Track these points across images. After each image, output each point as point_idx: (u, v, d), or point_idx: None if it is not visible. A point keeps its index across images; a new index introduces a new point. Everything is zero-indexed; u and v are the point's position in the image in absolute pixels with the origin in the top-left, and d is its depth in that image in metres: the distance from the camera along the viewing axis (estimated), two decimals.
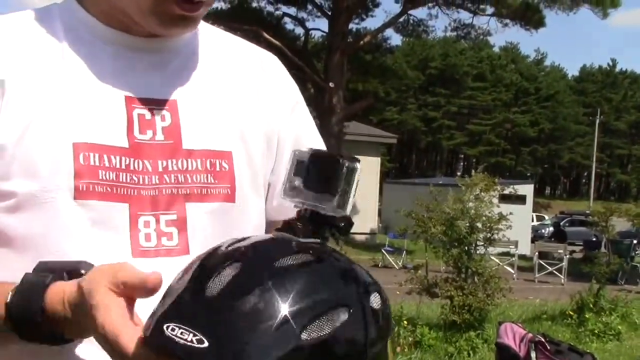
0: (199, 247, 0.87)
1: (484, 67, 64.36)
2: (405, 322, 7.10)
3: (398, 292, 7.68)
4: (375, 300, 0.64)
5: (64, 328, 0.72)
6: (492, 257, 10.36)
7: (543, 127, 64.46)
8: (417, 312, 7.79)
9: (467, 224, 7.43)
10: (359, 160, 0.67)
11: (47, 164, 0.84)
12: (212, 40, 1.02)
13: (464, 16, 23.64)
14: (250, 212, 0.96)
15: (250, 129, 0.97)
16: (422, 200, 7.96)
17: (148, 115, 0.90)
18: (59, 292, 0.70)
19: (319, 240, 0.66)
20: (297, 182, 0.67)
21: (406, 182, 22.14)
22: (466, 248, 7.50)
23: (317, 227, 0.67)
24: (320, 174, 0.66)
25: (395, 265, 15.27)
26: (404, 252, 16.40)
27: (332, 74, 18.63)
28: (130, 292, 0.67)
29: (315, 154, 0.67)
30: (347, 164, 0.65)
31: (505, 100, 64.65)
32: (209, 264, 0.63)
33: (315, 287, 0.61)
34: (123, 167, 0.87)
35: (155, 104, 0.91)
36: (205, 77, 0.98)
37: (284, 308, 0.58)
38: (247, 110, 0.98)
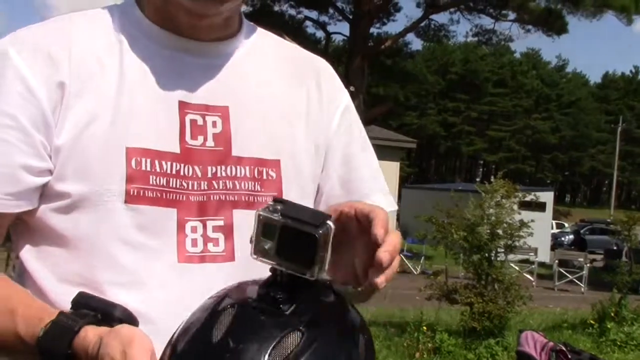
0: (244, 253, 0.86)
1: (504, 72, 63.93)
2: (425, 327, 7.07)
3: (417, 298, 7.63)
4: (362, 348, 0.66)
5: None
6: (512, 265, 10.27)
7: (564, 134, 63.85)
8: (437, 318, 7.75)
9: (488, 231, 7.37)
10: (330, 217, 0.66)
11: (100, 167, 0.86)
12: (265, 46, 1.03)
13: (486, 22, 23.53)
14: None
15: (300, 138, 0.98)
16: (442, 205, 7.92)
17: (200, 121, 0.91)
18: (86, 342, 0.72)
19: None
20: (267, 245, 0.65)
21: (425, 187, 22.06)
22: (487, 255, 7.44)
23: (297, 288, 0.65)
24: (293, 244, 0.64)
25: (414, 271, 15.24)
26: (423, 257, 16.33)
27: (352, 78, 18.62)
28: None
29: (285, 227, 0.65)
30: (321, 235, 0.64)
31: (526, 106, 64.15)
32: (208, 357, 0.63)
33: None
34: (174, 172, 0.88)
35: (208, 110, 0.92)
36: (258, 83, 0.98)
37: None
38: (297, 118, 0.99)
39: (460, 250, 7.69)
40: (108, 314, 0.74)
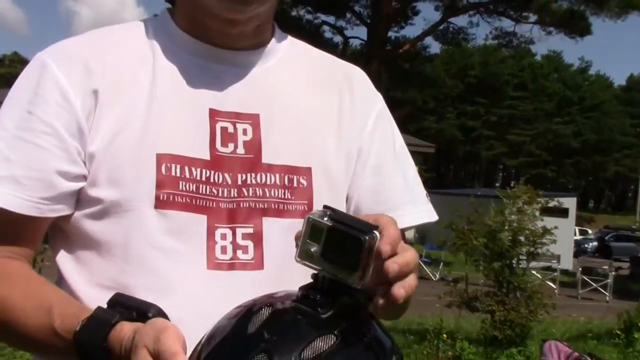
0: (273, 262, 0.90)
1: (525, 75, 63.42)
2: (445, 335, 6.96)
3: (437, 305, 7.55)
4: None
5: None
6: (534, 272, 10.09)
7: (587, 138, 63.15)
8: (456, 326, 7.63)
9: (510, 237, 7.23)
10: (377, 227, 0.66)
11: (131, 173, 0.88)
12: (297, 55, 1.04)
13: (506, 24, 23.29)
14: None
15: (331, 145, 0.98)
16: (461, 211, 7.79)
17: (230, 128, 0.93)
18: (121, 335, 0.73)
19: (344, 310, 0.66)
20: (314, 249, 0.66)
21: (444, 193, 21.85)
22: (508, 262, 7.31)
23: (336, 295, 0.66)
24: (339, 247, 0.65)
25: (433, 277, 15.14)
26: (442, 263, 16.18)
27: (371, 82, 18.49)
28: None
29: (334, 229, 0.65)
30: (367, 240, 0.64)
31: (548, 110, 63.57)
32: (239, 347, 0.63)
33: None
34: (203, 179, 0.90)
35: (238, 118, 0.94)
36: (288, 92, 0.99)
37: None
38: (329, 126, 0.99)
39: (480, 257, 7.56)
40: (143, 313, 0.75)
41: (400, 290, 0.69)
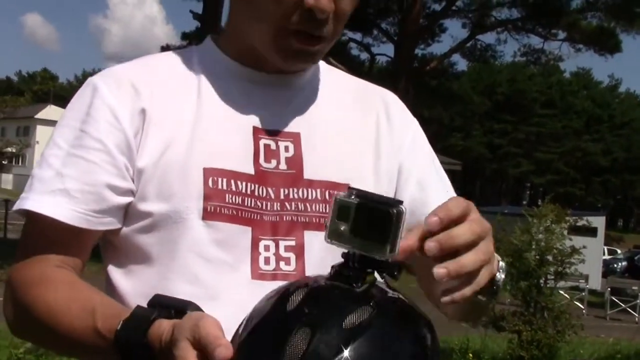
0: (314, 273, 0.93)
1: (553, 93, 62.76)
2: (471, 355, 6.90)
3: (463, 324, 7.44)
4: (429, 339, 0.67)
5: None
6: (561, 292, 9.95)
7: (616, 156, 62.11)
8: (483, 346, 7.54)
9: (537, 257, 7.15)
10: (402, 202, 0.67)
11: (179, 187, 0.92)
12: (334, 80, 1.09)
13: (535, 41, 23.11)
14: None
15: (369, 164, 1.02)
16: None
17: (273, 145, 0.98)
18: (160, 330, 0.74)
19: (374, 280, 0.68)
20: (343, 227, 0.67)
21: None
22: (535, 281, 7.22)
23: (367, 272, 0.67)
24: (368, 223, 0.66)
25: None
26: None
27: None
28: (203, 349, 0.68)
29: (361, 205, 0.66)
30: (395, 213, 0.65)
31: (576, 127, 62.74)
32: (280, 323, 0.64)
33: (385, 348, 0.63)
34: (248, 192, 0.94)
35: (280, 136, 0.99)
36: (327, 112, 1.04)
37: None
38: (367, 145, 1.04)
39: (507, 276, 7.47)
40: (181, 311, 0.77)
41: (439, 270, 0.66)
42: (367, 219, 0.66)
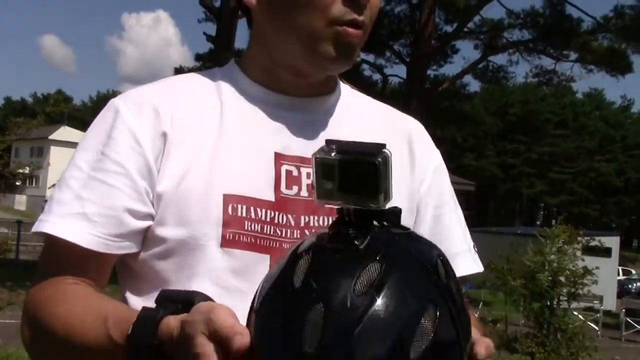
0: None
1: (566, 113, 62.56)
2: None
3: None
4: (441, 270, 0.65)
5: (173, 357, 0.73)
6: (575, 313, 9.87)
7: (630, 176, 61.65)
8: None
9: (550, 278, 7.12)
10: (384, 145, 0.65)
11: (198, 213, 0.91)
12: (358, 104, 1.09)
13: (546, 62, 23.16)
14: None
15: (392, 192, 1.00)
16: (501, 250, 7.72)
17: (295, 171, 0.96)
18: (169, 328, 0.72)
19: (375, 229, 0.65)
20: (329, 185, 0.65)
21: (484, 231, 21.56)
22: (548, 303, 7.18)
23: (366, 223, 0.65)
24: (355, 177, 0.64)
25: None
26: (481, 303, 15.89)
27: None
28: (219, 341, 0.67)
29: (343, 161, 0.64)
30: (380, 162, 0.63)
31: (589, 147, 62.42)
32: (291, 303, 0.63)
33: (402, 304, 0.61)
34: (268, 219, 0.93)
35: (302, 162, 0.97)
36: (350, 138, 1.01)
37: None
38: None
39: (520, 297, 7.44)
40: (189, 303, 0.75)
41: None
42: (352, 173, 0.64)
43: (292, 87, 1.00)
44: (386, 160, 0.64)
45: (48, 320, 0.88)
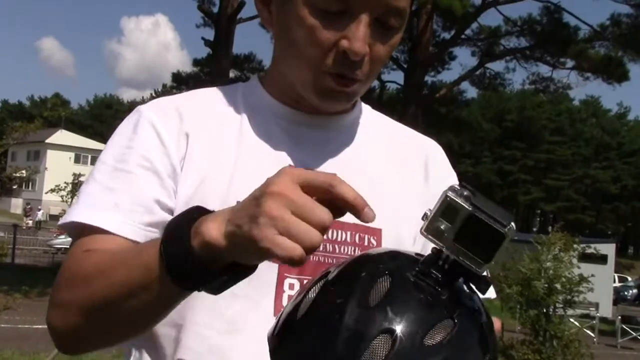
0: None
1: (563, 120, 62.75)
2: None
3: None
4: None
5: (221, 252, 0.71)
6: (571, 320, 9.89)
7: (626, 183, 61.79)
8: None
9: (546, 285, 7.14)
10: (512, 216, 0.63)
11: None
12: (376, 123, 1.10)
13: (543, 69, 23.22)
14: None
15: (404, 212, 1.01)
16: (497, 257, 7.71)
17: None
18: (205, 222, 0.70)
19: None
20: (444, 227, 0.63)
21: None
22: (544, 310, 7.19)
23: (456, 277, 0.64)
24: (475, 235, 0.62)
25: None
26: None
27: (407, 126, 18.54)
28: (315, 193, 0.67)
29: (474, 216, 0.61)
30: (508, 234, 0.61)
31: (585, 155, 62.60)
32: (361, 320, 0.62)
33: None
34: None
35: None
36: (364, 156, 1.04)
37: None
38: (403, 192, 1.03)
39: (516, 304, 7.45)
40: (201, 212, 0.74)
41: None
42: (475, 231, 0.62)
43: (307, 105, 1.01)
44: (511, 234, 0.62)
45: (81, 269, 0.85)
